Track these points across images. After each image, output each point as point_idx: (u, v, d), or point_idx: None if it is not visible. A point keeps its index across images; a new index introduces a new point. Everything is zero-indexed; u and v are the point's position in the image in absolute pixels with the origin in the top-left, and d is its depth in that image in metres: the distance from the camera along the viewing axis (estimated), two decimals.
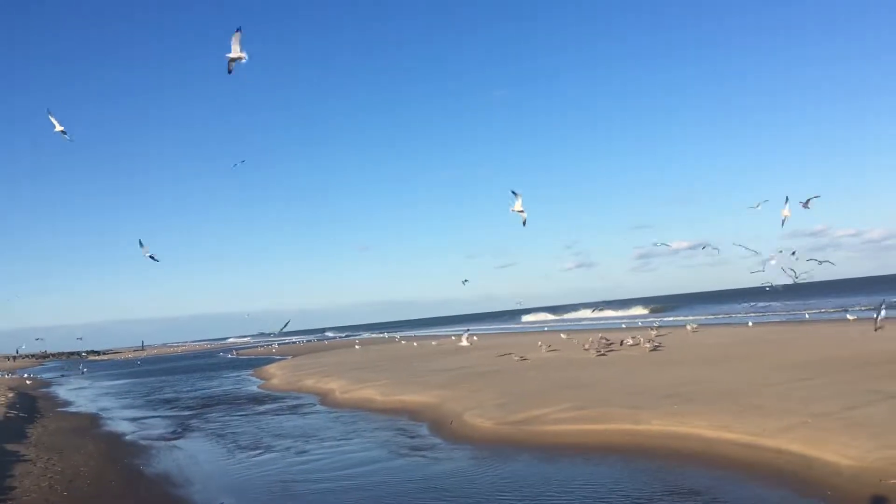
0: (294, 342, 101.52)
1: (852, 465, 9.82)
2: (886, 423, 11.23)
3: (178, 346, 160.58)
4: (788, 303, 67.92)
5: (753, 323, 41.95)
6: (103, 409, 29.27)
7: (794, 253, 27.34)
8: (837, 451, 10.35)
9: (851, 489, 9.21)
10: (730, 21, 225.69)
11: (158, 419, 24.67)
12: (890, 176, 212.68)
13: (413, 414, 19.42)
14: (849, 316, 40.01)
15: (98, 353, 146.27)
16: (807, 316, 47.31)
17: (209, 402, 28.77)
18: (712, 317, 65.33)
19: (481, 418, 16.51)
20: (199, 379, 44.86)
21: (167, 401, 31.60)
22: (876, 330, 22.50)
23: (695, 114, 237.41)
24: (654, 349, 28.18)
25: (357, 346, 46.48)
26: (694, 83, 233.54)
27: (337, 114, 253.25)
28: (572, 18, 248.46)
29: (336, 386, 27.53)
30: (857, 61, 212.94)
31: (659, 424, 13.62)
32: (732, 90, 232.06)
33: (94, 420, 25.17)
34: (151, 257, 18.81)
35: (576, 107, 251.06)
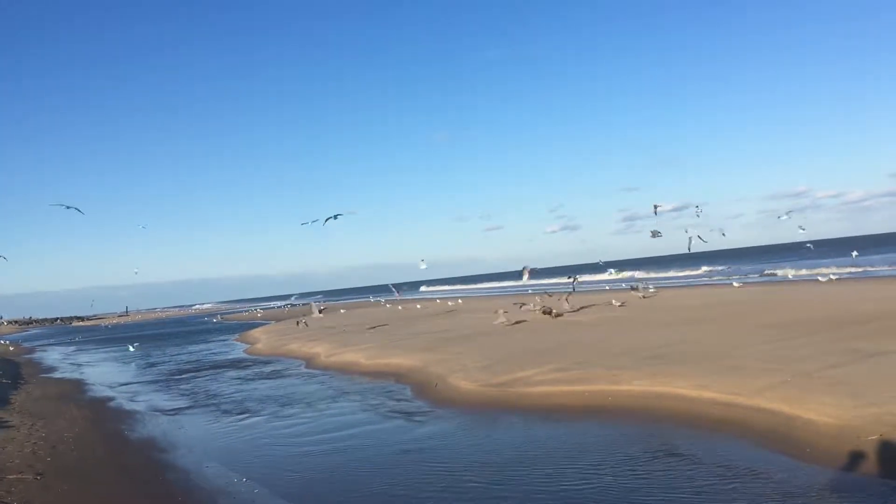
0: (278, 307, 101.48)
1: (831, 422, 9.94)
2: (865, 382, 11.37)
3: (161, 312, 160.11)
4: (764, 265, 68.48)
5: (738, 284, 42.21)
6: (88, 375, 29.18)
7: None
8: (817, 409, 10.47)
9: (830, 446, 9.32)
10: None
11: (143, 384, 24.64)
12: (870, 137, 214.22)
13: (398, 377, 19.49)
14: (819, 278, 40.40)
15: (82, 318, 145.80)
16: (790, 276, 47.74)
17: (194, 367, 28.75)
18: (690, 279, 65.83)
19: (465, 381, 16.60)
20: (183, 344, 44.81)
21: (152, 365, 31.55)
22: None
23: (681, 74, 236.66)
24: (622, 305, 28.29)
25: (342, 311, 46.50)
26: (683, 45, 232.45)
27: (323, 75, 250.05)
28: None
29: (321, 350, 27.57)
30: (842, 22, 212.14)
31: (640, 385, 13.73)
32: (720, 51, 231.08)
33: (78, 386, 25.09)
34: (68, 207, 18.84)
35: (566, 68, 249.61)
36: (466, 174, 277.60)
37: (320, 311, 40.43)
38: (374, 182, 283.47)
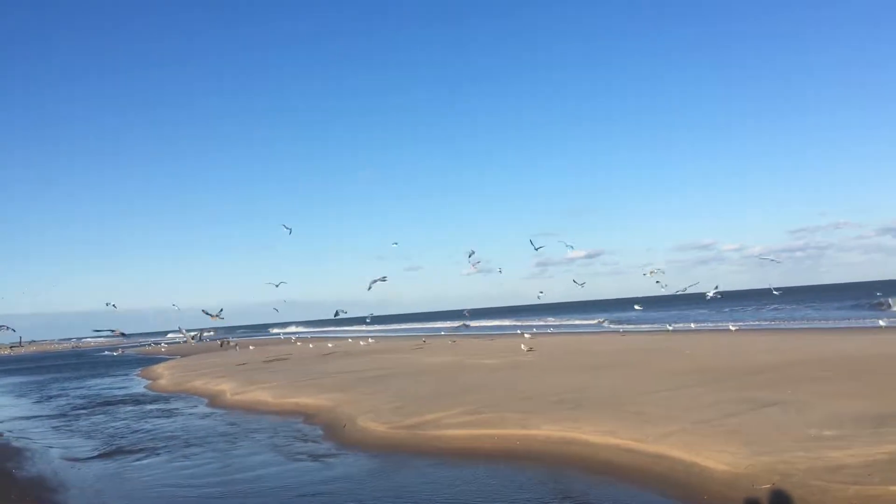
0: (182, 341, 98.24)
1: (727, 470, 10.31)
2: (759, 431, 11.87)
3: (58, 344, 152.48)
4: (673, 312, 70.89)
5: (624, 332, 43.78)
6: None
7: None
8: (714, 457, 10.85)
9: (726, 493, 9.65)
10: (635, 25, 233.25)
11: (36, 420, 23.41)
12: (772, 194, 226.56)
13: (306, 417, 19.16)
14: (731, 326, 42.23)
15: None
16: (692, 326, 49.60)
17: (91, 403, 27.52)
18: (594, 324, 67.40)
19: (375, 422, 16.45)
20: (81, 377, 42.86)
21: (47, 399, 30.05)
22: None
23: (596, 124, 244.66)
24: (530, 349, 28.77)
25: (251, 347, 45.48)
26: (597, 100, 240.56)
27: (244, 111, 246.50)
28: (493, 30, 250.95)
29: (227, 387, 26.86)
30: (750, 87, 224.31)
31: (548, 429, 13.92)
32: (631, 101, 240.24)
33: None
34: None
35: (485, 113, 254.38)
36: (387, 214, 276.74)
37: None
38: (293, 216, 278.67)
